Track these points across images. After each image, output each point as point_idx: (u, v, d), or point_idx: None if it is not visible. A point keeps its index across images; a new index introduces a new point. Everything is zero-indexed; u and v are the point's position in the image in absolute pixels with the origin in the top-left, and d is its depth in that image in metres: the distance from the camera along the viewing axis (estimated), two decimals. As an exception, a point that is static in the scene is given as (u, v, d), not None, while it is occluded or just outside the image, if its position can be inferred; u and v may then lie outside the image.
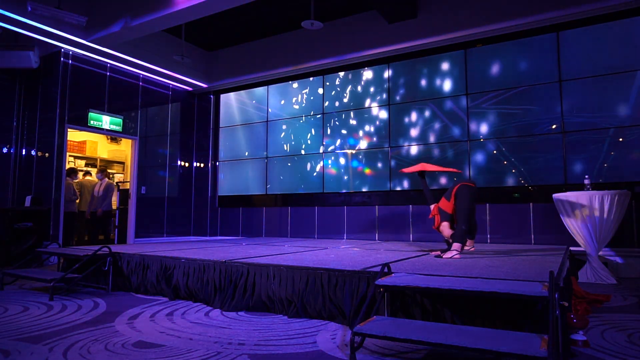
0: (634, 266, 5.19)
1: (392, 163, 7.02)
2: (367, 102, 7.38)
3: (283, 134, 8.22)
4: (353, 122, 7.48)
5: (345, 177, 7.48)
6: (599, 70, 5.71)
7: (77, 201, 7.52)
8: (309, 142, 7.92)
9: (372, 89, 7.36)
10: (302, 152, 7.95)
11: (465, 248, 4.28)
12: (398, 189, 6.94)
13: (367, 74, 7.43)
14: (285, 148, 8.16)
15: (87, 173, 8.66)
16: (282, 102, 8.31)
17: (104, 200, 7.63)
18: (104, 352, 2.32)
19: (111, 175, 9.36)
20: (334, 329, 2.78)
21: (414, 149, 6.88)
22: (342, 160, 7.55)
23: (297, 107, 8.12)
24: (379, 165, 7.16)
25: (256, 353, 2.30)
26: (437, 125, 6.73)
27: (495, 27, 6.17)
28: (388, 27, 6.93)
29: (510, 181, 6.13)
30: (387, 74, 7.22)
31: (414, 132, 6.91)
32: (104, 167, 8.84)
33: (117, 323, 2.94)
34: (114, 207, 8.02)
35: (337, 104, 7.68)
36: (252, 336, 2.62)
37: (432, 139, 6.75)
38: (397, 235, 6.79)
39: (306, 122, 7.98)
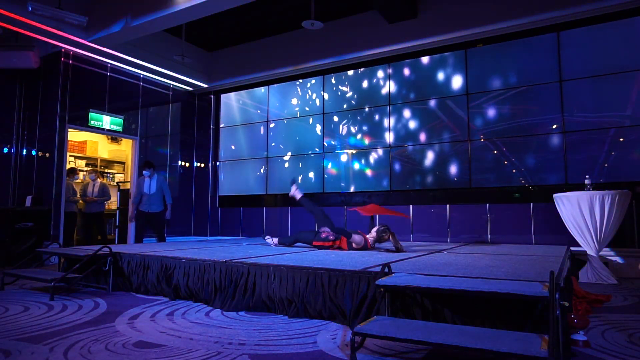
0: (634, 266, 5.19)
1: (395, 164, 7.02)
2: (367, 102, 7.38)
3: (283, 134, 8.23)
4: (353, 121, 7.48)
5: (346, 178, 7.49)
6: (599, 70, 5.71)
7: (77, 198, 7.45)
8: (309, 142, 7.92)
9: (372, 89, 7.36)
10: (302, 152, 7.95)
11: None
12: (398, 189, 6.94)
13: (367, 74, 7.42)
14: (286, 148, 8.16)
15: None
16: (283, 101, 8.31)
17: (101, 201, 7.52)
18: (104, 352, 2.32)
19: (111, 175, 9.34)
20: (335, 329, 2.78)
21: (414, 149, 6.88)
22: (342, 160, 7.55)
23: (297, 107, 8.12)
24: (380, 165, 7.16)
25: (256, 353, 2.30)
26: (437, 125, 6.73)
27: (495, 27, 6.17)
28: (388, 27, 6.93)
29: (511, 181, 6.13)
30: (387, 73, 7.22)
31: (414, 132, 6.91)
32: (95, 166, 8.70)
33: (117, 323, 2.94)
34: (114, 207, 7.99)
35: (337, 103, 7.68)
36: (252, 336, 2.62)
37: (432, 138, 6.75)
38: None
39: (306, 122, 7.98)
